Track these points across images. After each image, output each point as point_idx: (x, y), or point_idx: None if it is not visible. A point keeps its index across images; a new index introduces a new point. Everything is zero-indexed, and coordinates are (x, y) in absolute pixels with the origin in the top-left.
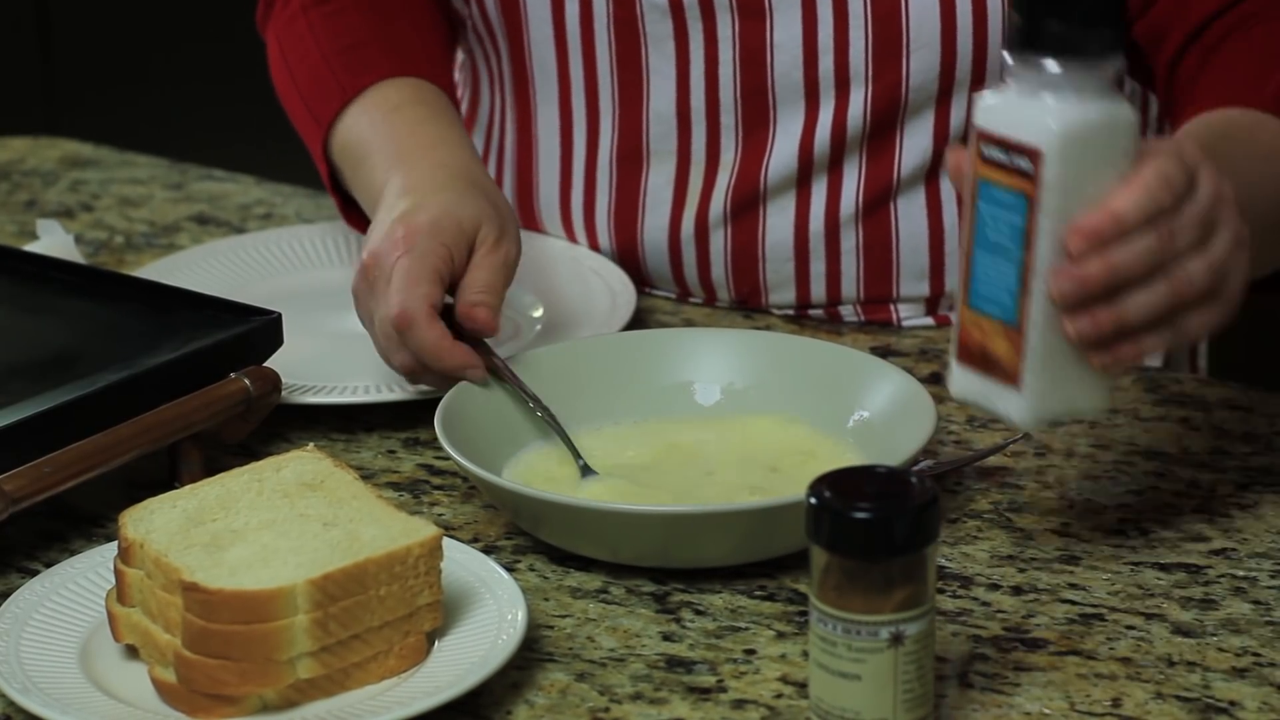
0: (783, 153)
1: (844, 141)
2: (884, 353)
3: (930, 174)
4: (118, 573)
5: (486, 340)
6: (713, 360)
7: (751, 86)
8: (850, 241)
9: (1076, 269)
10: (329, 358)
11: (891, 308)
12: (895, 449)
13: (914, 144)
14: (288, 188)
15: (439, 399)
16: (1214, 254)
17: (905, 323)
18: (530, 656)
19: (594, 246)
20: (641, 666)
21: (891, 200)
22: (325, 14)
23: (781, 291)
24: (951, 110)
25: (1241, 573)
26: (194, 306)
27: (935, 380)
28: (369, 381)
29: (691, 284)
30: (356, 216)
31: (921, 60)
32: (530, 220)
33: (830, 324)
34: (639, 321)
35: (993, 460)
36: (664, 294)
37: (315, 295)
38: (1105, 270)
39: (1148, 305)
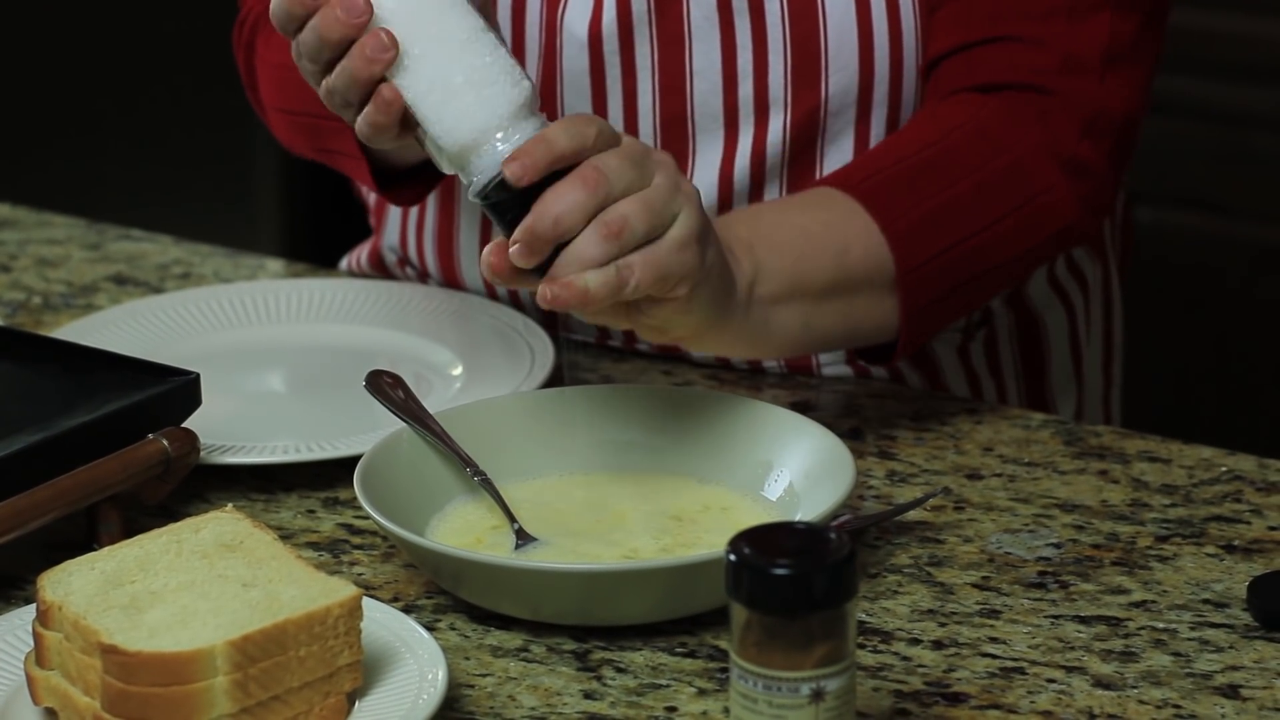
0: (703, 181)
1: (764, 168)
2: (803, 408)
3: None
4: (36, 635)
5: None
6: (634, 417)
7: (670, 115)
8: None
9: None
10: (247, 418)
11: None
12: (815, 505)
13: (834, 169)
14: (205, 247)
15: (359, 458)
16: (650, 194)
17: (825, 369)
18: (451, 716)
19: (515, 290)
20: None
21: None
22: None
23: None
24: (870, 133)
25: (1161, 625)
26: (112, 367)
27: (855, 435)
28: (288, 441)
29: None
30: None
31: (840, 82)
32: (450, 268)
33: (751, 375)
34: (557, 379)
35: (912, 515)
36: (581, 337)
37: (233, 355)
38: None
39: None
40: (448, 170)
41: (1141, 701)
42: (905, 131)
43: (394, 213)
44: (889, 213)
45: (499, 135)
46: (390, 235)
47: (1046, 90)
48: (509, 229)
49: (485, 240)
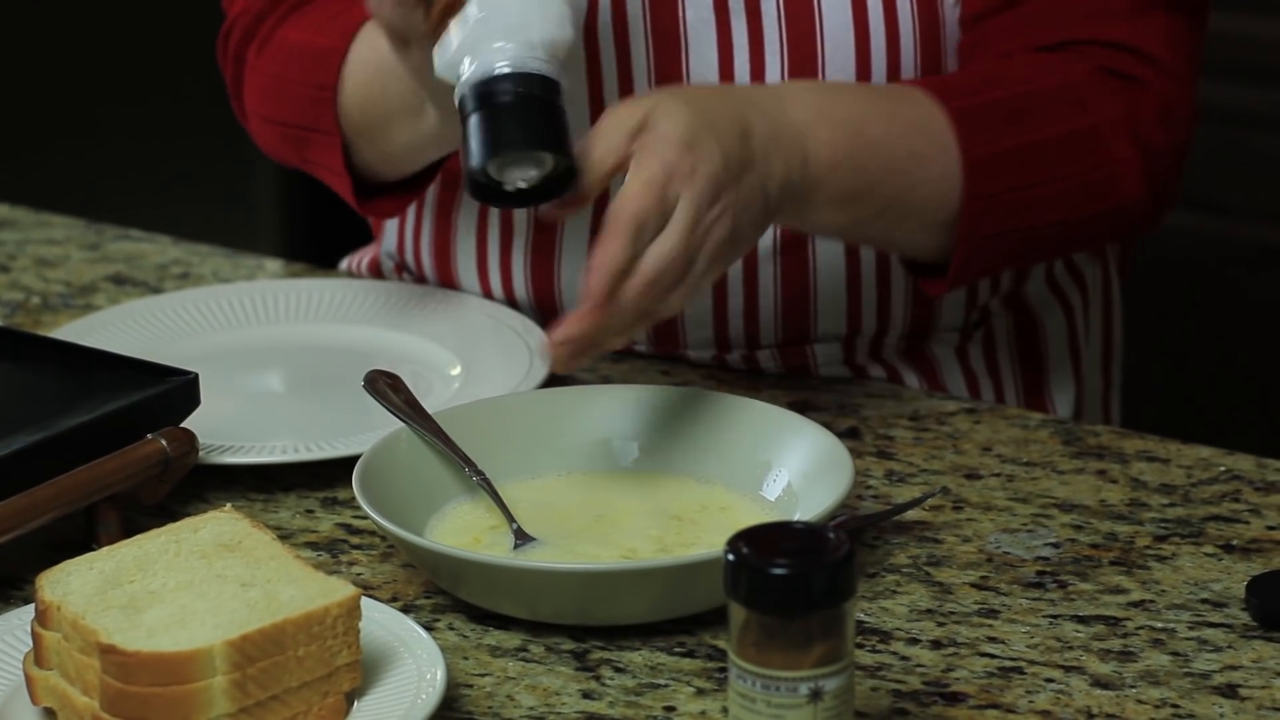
0: None
1: None
2: (802, 407)
3: None
4: (35, 635)
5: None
6: (633, 417)
7: None
8: (768, 275)
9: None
10: (246, 418)
11: (809, 350)
12: (813, 504)
13: None
14: (204, 247)
15: (357, 458)
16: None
17: (822, 369)
18: (450, 716)
19: (509, 292)
20: None
21: (809, 236)
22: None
23: (699, 329)
24: None
25: (1160, 624)
26: (111, 367)
27: (853, 435)
28: (287, 441)
29: None
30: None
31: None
32: (447, 273)
33: (749, 376)
34: (556, 379)
35: (911, 514)
36: None
37: (232, 355)
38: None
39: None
40: (446, 73)
41: (1140, 701)
42: (1002, 65)
43: (391, 219)
44: (974, 139)
45: (529, 46)
46: (388, 242)
47: (1129, 76)
48: (481, 137)
49: (482, 247)
